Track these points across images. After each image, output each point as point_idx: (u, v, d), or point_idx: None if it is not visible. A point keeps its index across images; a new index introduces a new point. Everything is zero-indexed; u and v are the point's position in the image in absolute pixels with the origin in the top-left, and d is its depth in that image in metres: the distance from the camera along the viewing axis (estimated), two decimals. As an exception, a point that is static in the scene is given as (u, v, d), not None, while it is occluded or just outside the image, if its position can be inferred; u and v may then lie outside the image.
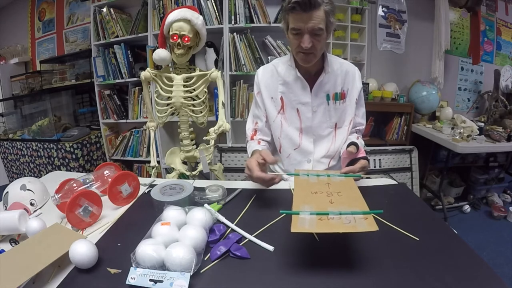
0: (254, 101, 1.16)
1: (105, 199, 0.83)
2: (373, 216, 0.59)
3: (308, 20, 0.87)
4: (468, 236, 2.00)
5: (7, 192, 0.87)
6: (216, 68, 1.95)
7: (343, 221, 0.57)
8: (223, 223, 0.73)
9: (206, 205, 0.78)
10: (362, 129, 1.17)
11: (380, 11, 2.43)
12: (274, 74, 1.08)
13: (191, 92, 1.24)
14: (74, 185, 0.84)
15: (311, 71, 1.03)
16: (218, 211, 0.78)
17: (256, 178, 0.83)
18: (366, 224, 0.56)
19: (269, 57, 2.02)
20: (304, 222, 0.56)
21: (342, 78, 1.06)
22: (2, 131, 2.78)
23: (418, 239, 0.66)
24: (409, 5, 2.47)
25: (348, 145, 0.98)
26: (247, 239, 0.67)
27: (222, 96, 1.25)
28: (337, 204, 0.63)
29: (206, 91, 1.28)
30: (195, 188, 0.87)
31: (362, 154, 0.98)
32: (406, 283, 0.55)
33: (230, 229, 0.72)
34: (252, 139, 1.13)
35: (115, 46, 2.25)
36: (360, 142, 1.09)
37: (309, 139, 1.08)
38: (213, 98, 2.06)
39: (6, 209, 0.83)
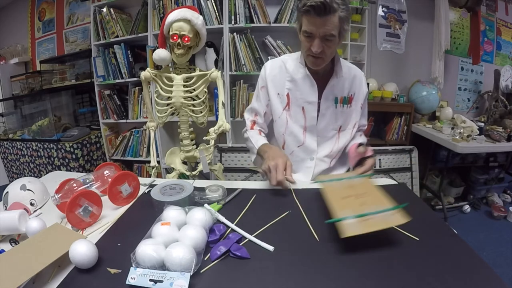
0: (256, 95, 1.16)
1: (105, 199, 0.83)
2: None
3: (321, 25, 0.86)
4: (468, 236, 2.00)
5: (7, 192, 0.87)
6: (216, 68, 1.95)
7: (380, 219, 0.63)
8: (223, 223, 0.73)
9: (206, 205, 0.78)
10: (364, 129, 1.23)
11: (380, 11, 2.43)
12: (283, 70, 1.08)
13: (191, 92, 1.24)
14: (74, 185, 0.84)
15: (319, 72, 1.03)
16: (218, 211, 0.78)
17: (276, 181, 0.85)
18: (400, 217, 0.63)
19: (269, 57, 2.02)
20: (351, 227, 0.61)
21: (350, 82, 1.07)
22: (2, 131, 2.78)
23: (418, 239, 0.66)
24: (409, 5, 2.47)
25: (358, 146, 1.04)
26: (247, 239, 0.67)
27: (222, 96, 1.25)
28: (368, 205, 0.69)
29: (206, 91, 1.28)
30: (195, 188, 0.87)
31: (369, 153, 1.02)
32: (406, 283, 0.55)
33: (230, 229, 0.72)
34: (252, 128, 1.15)
35: (115, 46, 2.25)
36: (363, 139, 1.17)
37: (313, 137, 1.09)
38: (213, 98, 2.06)
39: (6, 209, 0.83)
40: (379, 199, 0.71)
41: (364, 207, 0.67)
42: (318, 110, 1.06)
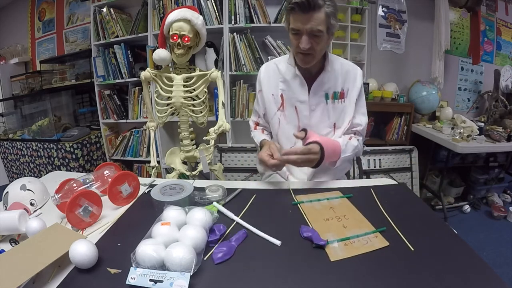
0: (256, 99, 1.20)
1: (105, 199, 0.83)
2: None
3: (307, 21, 0.88)
4: (468, 236, 2.00)
5: (7, 192, 0.87)
6: (216, 68, 1.95)
7: (362, 242, 0.66)
8: (227, 216, 0.75)
9: (215, 203, 0.78)
10: (360, 130, 1.09)
11: (380, 11, 2.43)
12: (276, 71, 1.11)
13: (191, 92, 1.24)
14: (74, 185, 0.84)
15: (311, 70, 1.04)
16: (219, 211, 0.78)
17: (271, 166, 0.92)
18: (379, 241, 0.66)
19: (269, 57, 2.02)
20: (337, 251, 0.63)
21: (343, 77, 1.06)
22: (2, 131, 2.78)
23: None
24: (409, 5, 2.47)
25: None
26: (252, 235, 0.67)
27: (222, 96, 1.25)
28: (350, 227, 0.72)
29: (206, 91, 1.28)
30: (195, 188, 0.87)
31: (311, 139, 0.94)
32: (406, 283, 0.55)
33: (230, 229, 0.72)
34: (255, 129, 1.21)
35: (115, 46, 2.25)
36: (351, 143, 1.03)
37: None
38: (213, 98, 2.06)
39: (6, 209, 0.83)
40: (359, 222, 0.74)
41: (347, 231, 0.70)
42: None
